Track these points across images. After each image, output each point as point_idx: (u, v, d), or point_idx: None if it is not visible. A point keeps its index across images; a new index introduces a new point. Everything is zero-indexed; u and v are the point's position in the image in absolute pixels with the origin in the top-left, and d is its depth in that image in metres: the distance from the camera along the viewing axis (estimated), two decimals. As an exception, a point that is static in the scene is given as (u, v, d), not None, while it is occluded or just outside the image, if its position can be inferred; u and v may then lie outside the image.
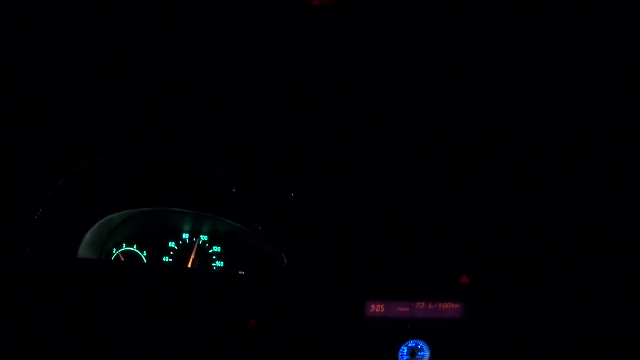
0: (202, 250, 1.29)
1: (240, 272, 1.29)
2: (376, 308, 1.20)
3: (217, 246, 1.29)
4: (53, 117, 1.20)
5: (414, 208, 1.26)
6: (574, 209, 1.21)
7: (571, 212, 1.20)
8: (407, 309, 1.21)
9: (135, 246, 1.29)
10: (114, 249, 1.29)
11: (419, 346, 1.21)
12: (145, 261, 1.29)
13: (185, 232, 1.30)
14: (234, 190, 1.16)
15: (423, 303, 1.21)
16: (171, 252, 1.29)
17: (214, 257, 1.29)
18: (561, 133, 1.20)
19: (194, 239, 1.29)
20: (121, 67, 1.23)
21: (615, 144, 1.20)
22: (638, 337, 1.17)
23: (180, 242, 1.29)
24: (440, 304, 1.21)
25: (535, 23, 1.18)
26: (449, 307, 1.22)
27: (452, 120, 1.26)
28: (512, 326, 1.20)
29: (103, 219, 1.26)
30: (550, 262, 1.21)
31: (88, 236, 1.25)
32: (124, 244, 1.29)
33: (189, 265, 1.27)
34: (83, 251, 1.25)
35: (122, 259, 1.28)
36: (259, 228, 1.16)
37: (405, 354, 1.20)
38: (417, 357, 1.21)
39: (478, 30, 1.20)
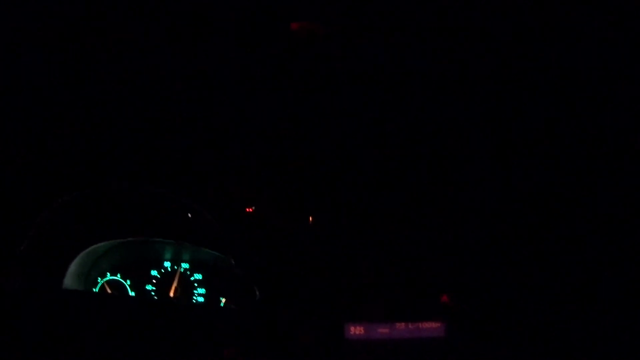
0: (184, 278, 1.31)
1: (220, 301, 1.31)
2: (356, 330, 1.20)
3: (199, 274, 1.31)
4: (36, 151, 1.24)
5: (391, 228, 1.28)
6: (552, 227, 1.21)
7: (550, 231, 1.21)
8: (388, 329, 1.21)
9: (119, 275, 1.31)
10: (99, 278, 1.31)
11: (400, 367, 1.21)
12: (129, 290, 1.31)
13: (167, 261, 1.32)
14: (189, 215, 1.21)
15: (403, 324, 1.21)
16: (154, 280, 1.31)
17: (196, 284, 1.31)
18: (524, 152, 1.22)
19: (176, 267, 1.31)
20: (103, 104, 1.27)
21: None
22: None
23: (163, 271, 1.31)
24: (421, 323, 1.21)
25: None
26: (431, 327, 1.21)
27: (423, 139, 1.29)
28: (495, 344, 1.20)
29: (87, 250, 1.29)
30: (531, 280, 1.21)
31: (72, 267, 1.28)
32: (108, 273, 1.31)
33: (172, 293, 1.29)
34: (68, 281, 1.28)
35: (108, 287, 1.30)
36: (232, 260, 1.18)
37: (385, 375, 1.20)
38: (397, 378, 1.21)
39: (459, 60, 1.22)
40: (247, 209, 1.26)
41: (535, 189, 1.21)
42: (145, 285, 1.31)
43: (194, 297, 1.31)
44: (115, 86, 1.26)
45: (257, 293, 1.17)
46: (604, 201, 1.23)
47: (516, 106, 1.25)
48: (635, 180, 1.20)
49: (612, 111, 1.21)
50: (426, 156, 1.29)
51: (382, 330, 1.21)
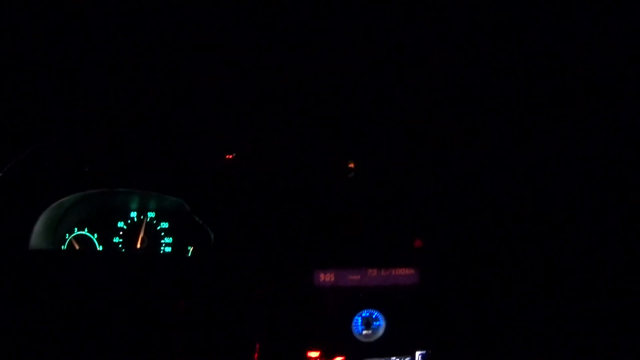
0: (150, 228, 1.25)
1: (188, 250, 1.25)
2: (326, 277, 1.13)
3: (165, 222, 1.25)
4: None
5: (362, 172, 1.17)
6: (524, 175, 1.08)
7: (522, 177, 1.08)
8: (359, 276, 1.13)
9: (86, 229, 1.27)
10: (67, 234, 1.27)
11: (374, 315, 1.13)
12: (97, 244, 1.26)
13: (133, 211, 1.26)
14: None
15: (375, 270, 1.13)
16: (121, 232, 1.26)
17: (162, 233, 1.25)
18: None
19: (142, 217, 1.26)
20: (63, 58, 1.18)
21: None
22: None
23: (129, 222, 1.26)
24: (393, 270, 1.13)
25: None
26: (404, 273, 1.13)
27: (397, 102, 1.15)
28: (470, 291, 1.10)
29: (52, 206, 1.24)
30: (505, 223, 1.09)
31: (38, 225, 1.24)
32: (76, 228, 1.27)
33: (139, 244, 1.24)
34: (35, 241, 1.24)
35: (76, 243, 1.26)
36: (185, 204, 1.11)
37: (359, 324, 1.13)
38: (372, 327, 1.13)
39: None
40: (228, 156, 1.18)
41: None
42: (112, 238, 1.26)
43: (162, 247, 1.25)
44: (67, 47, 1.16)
45: (212, 237, 1.10)
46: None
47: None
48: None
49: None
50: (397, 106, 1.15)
51: (353, 277, 1.13)
